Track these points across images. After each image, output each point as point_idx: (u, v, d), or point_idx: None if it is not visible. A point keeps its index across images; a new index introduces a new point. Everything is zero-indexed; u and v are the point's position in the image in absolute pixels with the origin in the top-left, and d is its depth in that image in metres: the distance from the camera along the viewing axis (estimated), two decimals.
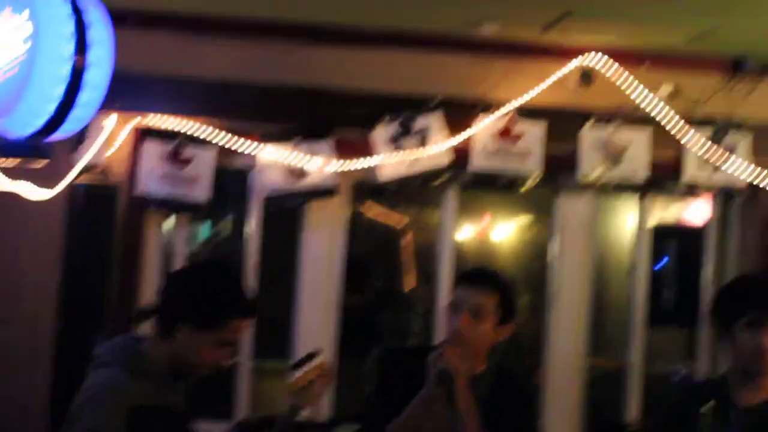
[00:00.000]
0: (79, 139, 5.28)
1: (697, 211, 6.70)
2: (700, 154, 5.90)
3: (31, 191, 5.11)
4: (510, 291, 4.01)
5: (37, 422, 5.18)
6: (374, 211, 8.49)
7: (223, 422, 5.77)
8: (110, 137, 5.44)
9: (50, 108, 3.29)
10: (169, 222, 5.80)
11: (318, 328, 5.85)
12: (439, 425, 3.82)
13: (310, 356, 4.36)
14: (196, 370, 3.71)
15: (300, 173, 5.63)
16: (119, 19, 4.81)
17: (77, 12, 3.44)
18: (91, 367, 3.71)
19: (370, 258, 8.21)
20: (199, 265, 3.84)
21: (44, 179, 5.14)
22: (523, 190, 5.86)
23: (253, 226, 5.88)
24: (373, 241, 8.58)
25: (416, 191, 7.36)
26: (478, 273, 4.10)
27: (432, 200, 8.17)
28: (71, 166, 5.22)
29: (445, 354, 3.81)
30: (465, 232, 8.32)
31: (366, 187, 6.08)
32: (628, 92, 5.83)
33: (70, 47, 3.37)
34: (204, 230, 8.55)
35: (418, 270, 8.31)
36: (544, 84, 5.79)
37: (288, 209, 5.92)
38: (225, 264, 3.97)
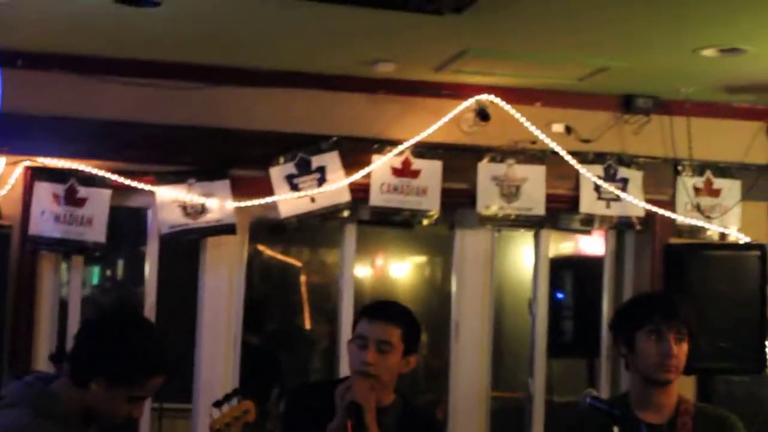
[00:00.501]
0: None
1: (594, 244, 6.83)
2: (594, 188, 6.03)
3: None
4: (413, 322, 4.04)
5: None
6: (271, 251, 8.48)
7: None
8: (2, 178, 5.31)
9: None
10: (64, 264, 5.69)
11: (219, 366, 5.77)
12: None
13: (232, 395, 4.41)
14: (108, 421, 3.65)
15: (198, 211, 5.57)
16: (8, 59, 4.78)
17: None
18: None
19: (268, 297, 8.20)
20: (117, 320, 3.74)
21: None
22: (424, 223, 5.88)
23: (150, 265, 5.78)
24: (270, 281, 8.57)
25: (312, 231, 7.38)
26: (382, 307, 4.11)
27: (327, 240, 8.21)
28: None
29: (354, 386, 3.81)
30: (363, 270, 8.35)
31: (265, 226, 6.04)
32: (522, 129, 5.94)
33: None
34: (94, 274, 8.44)
35: (316, 308, 8.31)
36: (440, 122, 5.87)
37: (186, 248, 5.86)
38: (143, 319, 3.90)
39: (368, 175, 5.79)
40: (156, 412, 6.07)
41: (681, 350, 3.85)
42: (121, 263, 8.20)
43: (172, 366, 3.71)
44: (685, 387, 5.88)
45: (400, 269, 8.86)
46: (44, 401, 3.55)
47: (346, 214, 5.78)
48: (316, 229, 7.32)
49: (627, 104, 6.17)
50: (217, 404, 4.45)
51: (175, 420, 6.66)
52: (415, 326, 4.05)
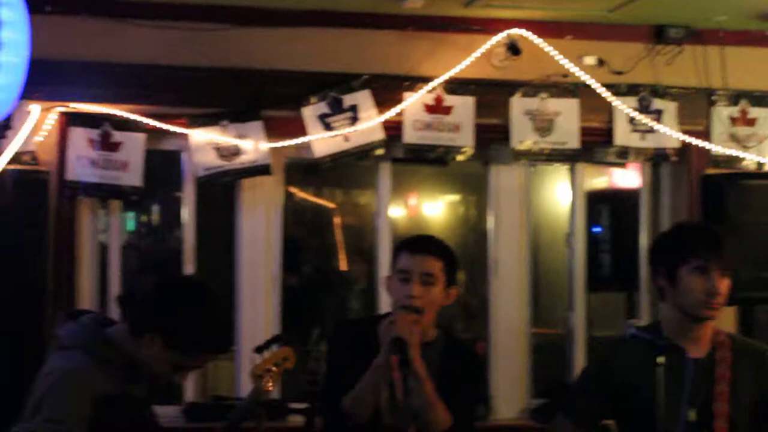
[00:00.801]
0: (5, 126, 5.20)
1: (629, 177, 6.79)
2: (628, 120, 5.98)
3: None
4: (452, 254, 4.03)
5: None
6: (303, 194, 8.49)
7: (172, 405, 5.75)
8: (37, 124, 5.33)
9: None
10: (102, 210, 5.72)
11: (260, 307, 5.81)
12: (395, 393, 3.81)
13: (272, 341, 4.47)
14: (151, 378, 3.66)
15: (232, 153, 5.57)
16: (37, 4, 4.75)
17: None
18: (51, 348, 3.62)
19: (303, 239, 8.22)
20: (189, 286, 3.72)
21: None
22: (458, 159, 5.84)
23: (187, 209, 5.80)
24: (304, 224, 8.59)
25: (345, 173, 7.38)
26: (422, 240, 4.10)
27: (360, 181, 8.22)
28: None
29: (397, 321, 3.80)
30: (397, 210, 8.34)
31: (298, 168, 6.04)
32: (554, 63, 5.89)
33: None
34: (130, 221, 8.48)
35: (351, 249, 8.32)
36: (471, 57, 5.83)
37: (222, 192, 5.89)
38: (214, 292, 3.87)
39: (401, 113, 5.77)
40: None
41: (725, 286, 3.75)
42: (155, 209, 8.24)
43: (230, 346, 3.70)
44: (725, 317, 5.89)
45: (434, 208, 8.86)
46: (100, 347, 3.55)
47: (380, 152, 5.77)
48: (349, 170, 7.31)
49: (658, 35, 6.10)
50: (258, 350, 4.53)
51: (218, 363, 6.73)
52: (454, 258, 4.04)
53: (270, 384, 4.43)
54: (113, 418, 3.51)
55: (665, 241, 3.94)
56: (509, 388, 6.11)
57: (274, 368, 4.45)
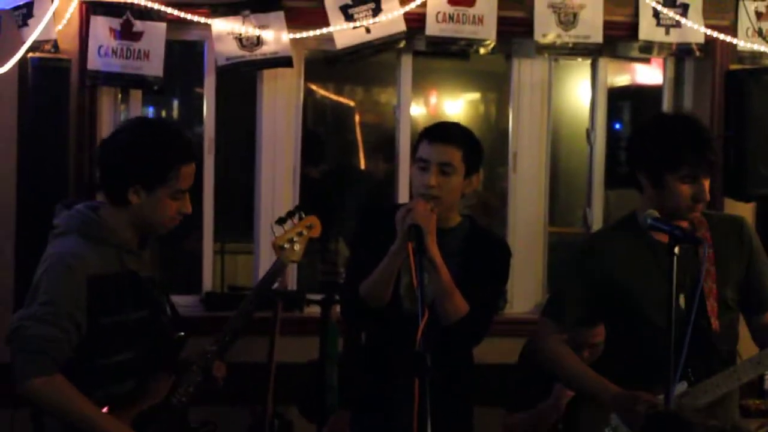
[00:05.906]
0: (27, 15, 5.18)
1: (652, 73, 6.72)
2: (653, 14, 5.89)
3: None
4: (473, 142, 4.05)
5: (1, 298, 5.14)
6: (324, 91, 8.47)
7: (191, 295, 5.81)
8: (58, 13, 5.29)
9: None
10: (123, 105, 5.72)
11: (278, 201, 5.80)
12: (410, 279, 3.84)
13: (294, 211, 4.34)
14: (162, 227, 3.71)
15: (254, 43, 5.54)
16: None
17: None
18: (50, 237, 3.69)
19: (323, 136, 8.22)
20: (128, 127, 3.78)
21: None
22: (481, 53, 5.78)
23: (207, 100, 5.79)
24: (325, 121, 8.58)
25: (366, 69, 7.33)
26: (442, 128, 4.11)
27: (380, 78, 8.17)
28: (21, 43, 5.09)
29: (414, 209, 3.82)
30: (417, 109, 8.30)
31: (320, 60, 6.01)
32: None
33: None
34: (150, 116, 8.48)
35: (371, 147, 8.32)
36: None
37: (242, 85, 5.86)
38: (151, 119, 3.96)
39: (423, 5, 5.68)
40: (218, 254, 6.17)
41: (708, 187, 3.70)
42: (176, 104, 8.24)
43: (196, 150, 3.69)
44: (744, 214, 5.90)
45: (454, 107, 8.82)
46: (93, 228, 3.62)
47: (401, 45, 5.72)
48: (369, 67, 7.26)
49: None
50: (280, 221, 4.33)
51: (236, 256, 6.78)
52: (475, 146, 4.05)
53: (294, 255, 4.22)
54: (108, 295, 3.57)
55: (649, 144, 3.76)
56: (525, 284, 6.13)
57: (297, 237, 4.23)
